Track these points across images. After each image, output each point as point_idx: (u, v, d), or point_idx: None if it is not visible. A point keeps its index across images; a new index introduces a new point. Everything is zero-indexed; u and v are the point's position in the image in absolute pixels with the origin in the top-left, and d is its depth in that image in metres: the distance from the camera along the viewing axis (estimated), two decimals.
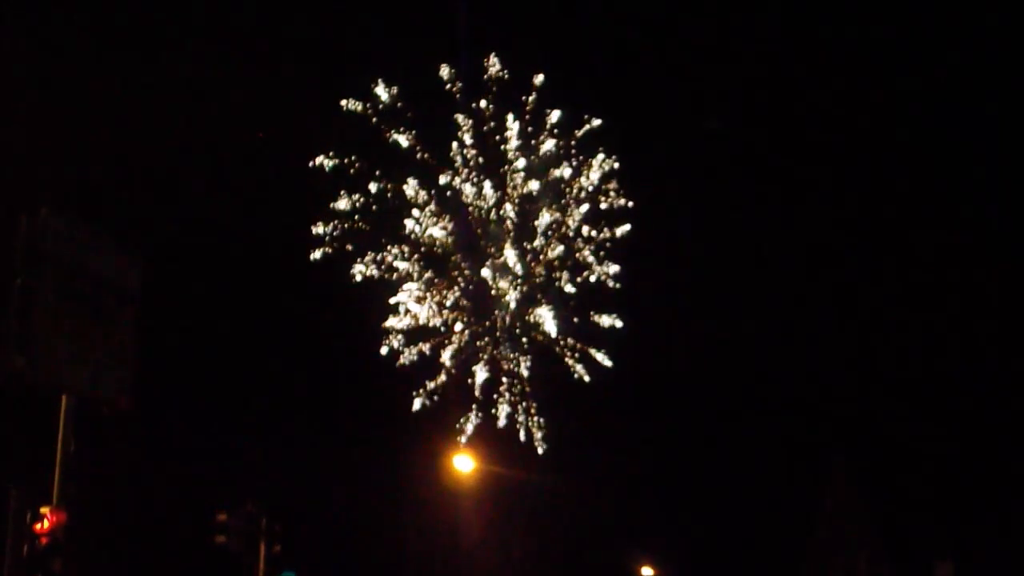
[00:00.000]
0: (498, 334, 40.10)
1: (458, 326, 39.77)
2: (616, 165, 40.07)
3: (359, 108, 38.29)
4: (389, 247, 38.75)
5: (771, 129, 42.66)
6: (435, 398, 38.82)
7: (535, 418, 39.80)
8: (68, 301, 17.27)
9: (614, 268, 39.95)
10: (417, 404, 38.44)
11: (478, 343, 40.05)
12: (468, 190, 39.53)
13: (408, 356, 38.72)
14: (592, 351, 39.96)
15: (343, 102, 38.12)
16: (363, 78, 38.40)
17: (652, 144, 41.49)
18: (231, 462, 31.33)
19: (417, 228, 38.97)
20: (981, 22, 39.84)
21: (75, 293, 17.37)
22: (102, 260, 18.01)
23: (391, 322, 38.75)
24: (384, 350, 38.45)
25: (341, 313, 37.07)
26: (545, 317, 39.88)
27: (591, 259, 40.22)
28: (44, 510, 17.15)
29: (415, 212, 39.04)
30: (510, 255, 39.62)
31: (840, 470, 46.20)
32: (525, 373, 40.07)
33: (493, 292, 40.17)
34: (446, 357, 39.30)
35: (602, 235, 40.23)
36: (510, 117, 39.52)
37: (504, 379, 39.98)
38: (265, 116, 34.13)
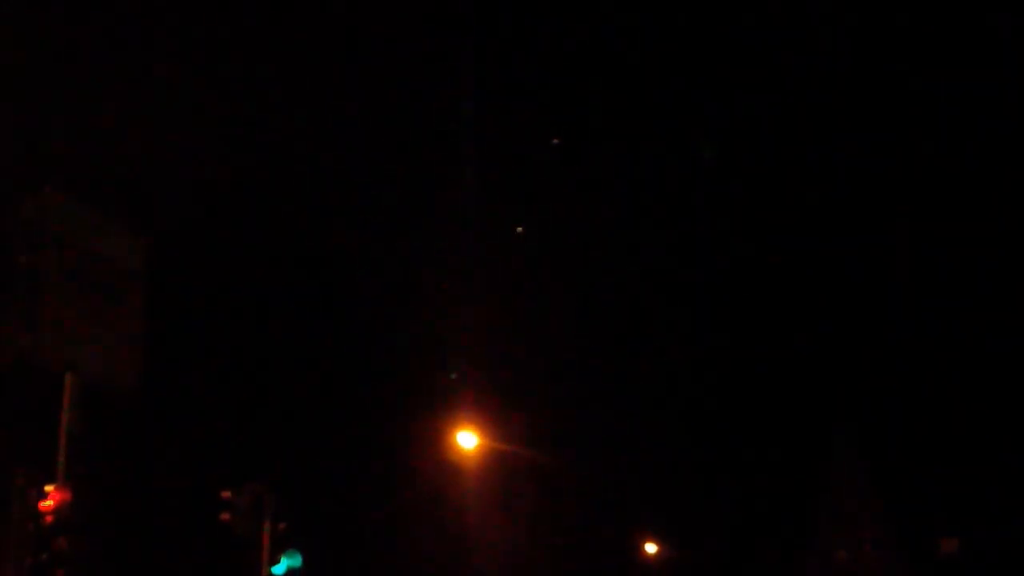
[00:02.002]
0: None
1: None
2: None
3: None
4: None
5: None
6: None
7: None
8: (73, 281, 17.34)
9: None
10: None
11: None
12: None
13: None
14: None
15: None
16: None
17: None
18: (236, 440, 31.41)
19: None
20: (981, 22, 39.66)
21: (81, 273, 17.44)
22: (107, 241, 18.10)
23: None
24: None
25: (345, 290, 37.15)
26: None
27: None
28: (49, 488, 17.23)
29: None
30: None
31: (845, 447, 46.28)
32: None
33: None
34: None
35: None
36: None
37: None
38: (278, 101, 34.13)
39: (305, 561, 25.54)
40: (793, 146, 42.93)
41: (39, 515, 17.17)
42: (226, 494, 25.20)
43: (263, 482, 25.61)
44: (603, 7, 42.46)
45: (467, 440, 35.65)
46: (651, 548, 49.67)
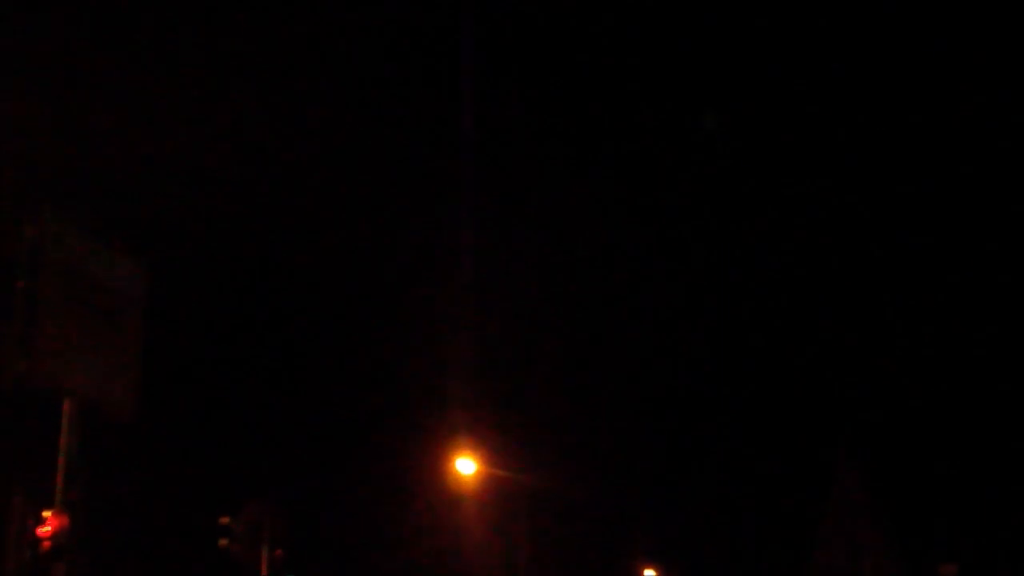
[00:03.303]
0: None
1: None
2: None
3: None
4: None
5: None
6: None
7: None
8: (72, 305, 17.28)
9: None
10: None
11: None
12: None
13: None
14: None
15: None
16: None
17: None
18: (234, 465, 31.34)
19: None
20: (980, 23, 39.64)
21: (79, 297, 17.38)
22: (106, 265, 18.03)
23: None
24: None
25: (345, 316, 37.12)
26: None
27: None
28: (47, 514, 17.15)
29: None
30: None
31: (846, 471, 46.10)
32: None
33: None
34: None
35: None
36: None
37: None
38: (273, 119, 34.10)
39: None
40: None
41: (36, 541, 17.08)
42: (224, 520, 25.14)
43: (261, 507, 25.56)
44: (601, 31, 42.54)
45: (466, 466, 35.57)
46: (650, 574, 49.54)
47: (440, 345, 39.86)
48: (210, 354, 32.76)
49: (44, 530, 17.06)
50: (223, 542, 24.88)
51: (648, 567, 48.48)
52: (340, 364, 37.20)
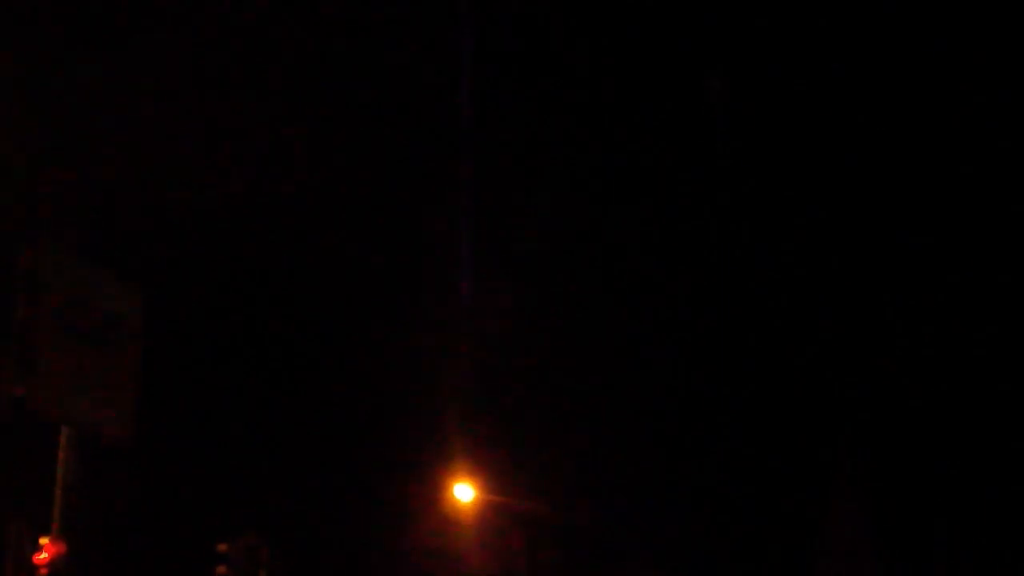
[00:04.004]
0: None
1: None
2: None
3: None
4: None
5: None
6: None
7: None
8: (69, 332, 17.31)
9: None
10: None
11: None
12: None
13: None
14: None
15: None
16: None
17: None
18: (231, 492, 31.28)
19: None
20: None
21: (76, 325, 17.41)
22: (103, 291, 18.10)
23: None
24: None
25: (343, 344, 37.10)
26: None
27: None
28: (44, 541, 17.12)
29: None
30: None
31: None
32: None
33: None
34: None
35: None
36: None
37: None
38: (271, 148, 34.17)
39: None
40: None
41: (34, 568, 17.05)
42: (222, 547, 25.09)
43: (258, 534, 25.51)
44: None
45: (464, 493, 35.51)
46: None
47: (437, 371, 39.84)
48: (207, 380, 32.75)
49: (41, 557, 17.04)
50: (220, 570, 24.81)
51: None
52: (338, 392, 37.18)
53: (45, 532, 17.22)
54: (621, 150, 41.42)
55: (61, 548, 17.11)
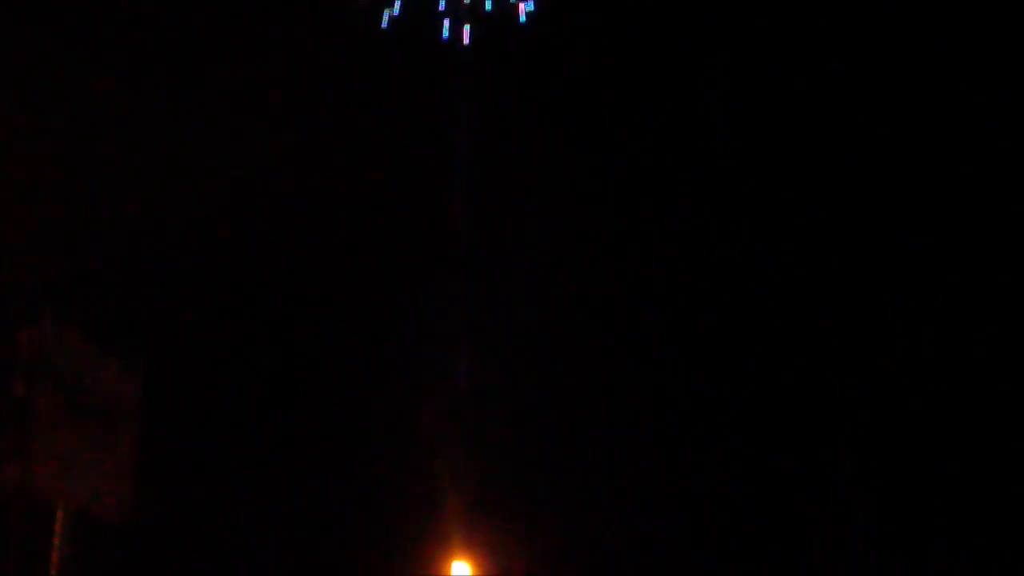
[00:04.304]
0: None
1: None
2: None
3: None
4: None
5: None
6: None
7: None
8: (66, 413, 17.07)
9: None
10: None
11: None
12: None
13: None
14: None
15: None
16: None
17: None
18: (229, 571, 31.12)
19: None
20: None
21: (74, 405, 17.18)
22: (102, 372, 17.92)
23: None
24: None
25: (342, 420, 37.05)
26: None
27: None
28: None
29: None
30: None
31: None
32: None
33: None
34: None
35: None
36: None
37: None
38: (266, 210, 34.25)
39: None
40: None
41: None
42: None
43: None
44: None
45: (462, 571, 35.33)
46: None
47: (434, 447, 39.71)
48: (207, 458, 32.68)
49: None
50: None
51: None
52: (335, 469, 37.07)
53: None
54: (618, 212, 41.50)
55: None
